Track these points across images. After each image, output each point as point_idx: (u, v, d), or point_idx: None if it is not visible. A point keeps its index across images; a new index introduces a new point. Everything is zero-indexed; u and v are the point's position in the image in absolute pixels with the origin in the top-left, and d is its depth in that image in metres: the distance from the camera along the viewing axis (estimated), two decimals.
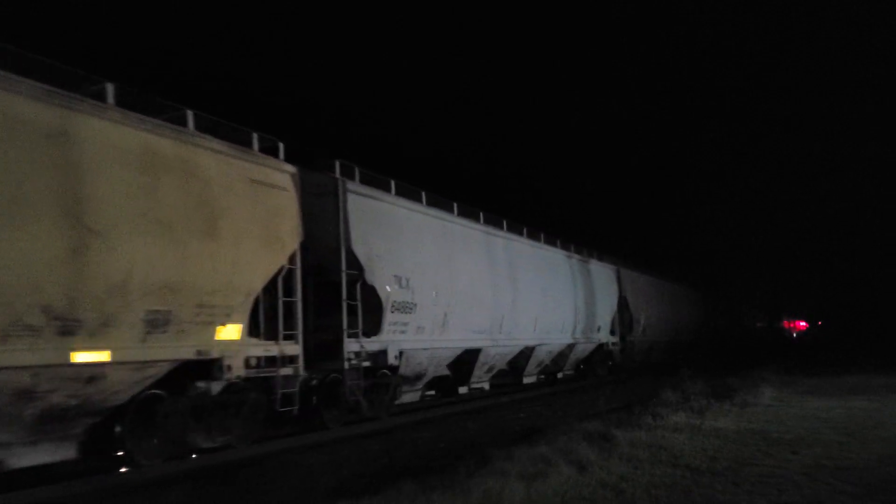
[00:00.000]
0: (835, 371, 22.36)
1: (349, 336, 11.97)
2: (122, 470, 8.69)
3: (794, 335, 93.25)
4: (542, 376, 21.29)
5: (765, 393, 15.00)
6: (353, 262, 12.20)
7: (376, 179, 13.52)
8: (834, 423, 10.87)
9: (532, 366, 19.55)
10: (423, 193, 14.96)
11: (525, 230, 19.78)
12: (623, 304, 26.79)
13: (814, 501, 6.31)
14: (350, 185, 12.42)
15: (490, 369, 17.27)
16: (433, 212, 15.20)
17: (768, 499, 6.39)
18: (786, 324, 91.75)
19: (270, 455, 10.11)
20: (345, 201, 12.15)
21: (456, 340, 15.25)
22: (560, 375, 22.40)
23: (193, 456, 9.72)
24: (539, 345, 19.24)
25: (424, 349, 14.12)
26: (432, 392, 15.96)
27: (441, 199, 15.69)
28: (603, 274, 25.22)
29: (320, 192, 12.01)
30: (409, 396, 14.62)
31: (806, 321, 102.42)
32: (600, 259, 25.73)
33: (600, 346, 24.45)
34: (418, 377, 14.47)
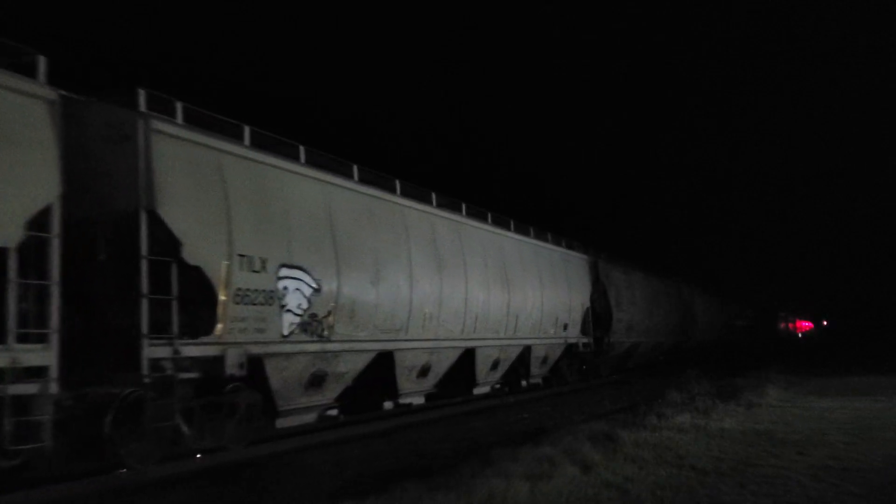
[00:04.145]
0: (841, 372, 22.25)
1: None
2: (123, 470, 8.67)
3: (800, 335, 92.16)
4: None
5: (770, 393, 14.95)
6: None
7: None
8: (840, 423, 10.81)
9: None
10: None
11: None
12: None
13: (820, 502, 6.28)
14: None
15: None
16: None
17: (774, 499, 6.35)
18: (784, 324, 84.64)
19: (274, 455, 10.10)
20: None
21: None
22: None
23: (198, 456, 9.71)
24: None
25: None
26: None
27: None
28: None
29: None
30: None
31: (811, 321, 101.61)
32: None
33: None
34: None
